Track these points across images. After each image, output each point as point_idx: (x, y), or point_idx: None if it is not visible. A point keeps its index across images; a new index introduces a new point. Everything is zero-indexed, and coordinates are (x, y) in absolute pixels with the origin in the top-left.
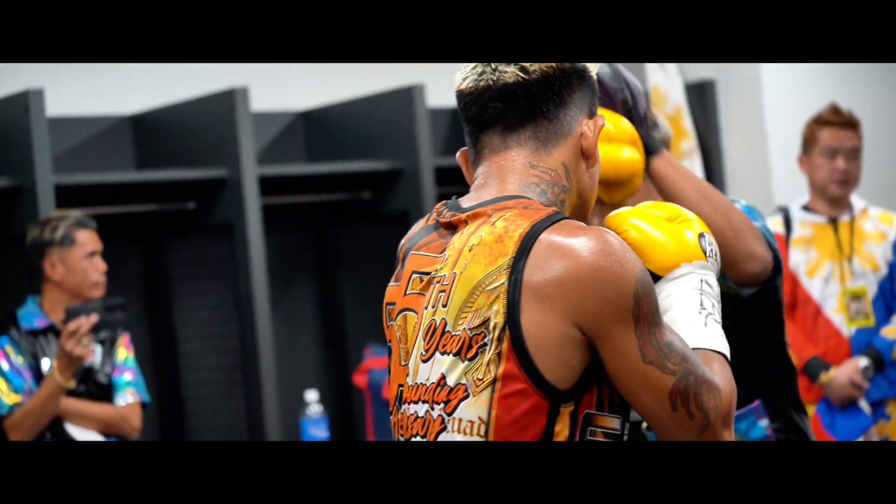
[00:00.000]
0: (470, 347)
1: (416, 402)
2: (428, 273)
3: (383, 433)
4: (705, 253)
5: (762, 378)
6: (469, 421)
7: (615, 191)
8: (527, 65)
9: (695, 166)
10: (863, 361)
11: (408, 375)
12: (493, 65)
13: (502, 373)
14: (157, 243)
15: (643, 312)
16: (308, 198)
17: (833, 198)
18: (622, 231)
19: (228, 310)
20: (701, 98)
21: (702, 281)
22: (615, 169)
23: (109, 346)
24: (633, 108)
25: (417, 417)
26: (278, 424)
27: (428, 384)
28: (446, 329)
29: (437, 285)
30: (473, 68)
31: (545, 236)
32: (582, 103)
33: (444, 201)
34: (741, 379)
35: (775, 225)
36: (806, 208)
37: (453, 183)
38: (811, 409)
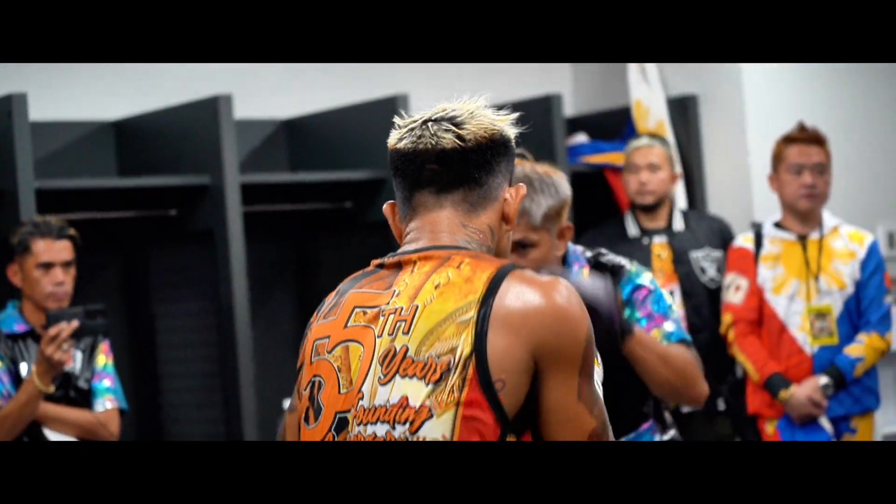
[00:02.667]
0: (434, 372)
1: (373, 423)
2: (374, 307)
3: None
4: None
5: (644, 404)
6: (433, 439)
7: None
8: (463, 132)
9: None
10: (823, 380)
11: (361, 399)
12: (430, 128)
13: (466, 396)
14: (139, 250)
15: (588, 358)
16: (290, 206)
17: (802, 213)
18: None
19: (208, 317)
20: (683, 113)
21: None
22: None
23: (89, 353)
24: (610, 324)
25: (377, 437)
26: (256, 433)
27: (388, 405)
28: (407, 355)
29: (393, 316)
30: (410, 129)
31: (511, 278)
32: (506, 171)
33: (377, 259)
34: (632, 408)
35: (746, 241)
36: (778, 225)
37: None
38: (772, 425)
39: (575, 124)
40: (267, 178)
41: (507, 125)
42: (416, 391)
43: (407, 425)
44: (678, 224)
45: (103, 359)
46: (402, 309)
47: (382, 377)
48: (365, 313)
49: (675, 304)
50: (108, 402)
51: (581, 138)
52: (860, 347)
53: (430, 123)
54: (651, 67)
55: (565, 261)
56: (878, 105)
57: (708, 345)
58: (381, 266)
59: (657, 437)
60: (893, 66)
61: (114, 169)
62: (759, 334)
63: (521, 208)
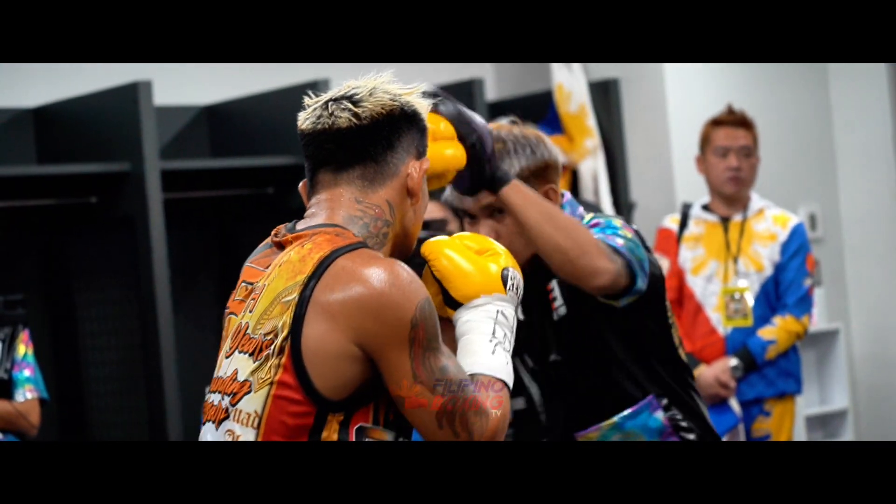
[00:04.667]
0: (261, 350)
1: (215, 393)
2: (252, 283)
3: None
4: (506, 286)
5: (653, 375)
6: (247, 413)
7: (433, 181)
8: (359, 110)
9: (598, 164)
10: (732, 361)
11: (218, 370)
12: (329, 108)
13: (279, 377)
14: (58, 238)
15: (419, 337)
16: (211, 193)
17: (727, 196)
18: (434, 258)
19: (130, 305)
20: (605, 96)
21: (498, 312)
22: (437, 163)
23: (9, 342)
24: (482, 150)
25: (213, 406)
26: (179, 421)
27: (225, 377)
28: (247, 332)
29: (252, 294)
30: (313, 110)
31: (340, 261)
32: (409, 146)
33: (285, 223)
34: (632, 377)
35: (672, 222)
36: (706, 207)
37: None
38: None
39: (497, 108)
40: (188, 164)
41: (413, 98)
42: (244, 366)
43: (230, 396)
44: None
45: (23, 348)
46: (257, 287)
47: (228, 350)
48: (246, 288)
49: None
50: (28, 393)
51: (503, 122)
52: (773, 330)
53: (330, 103)
54: None
55: None
56: (801, 86)
57: None
58: (274, 242)
59: (658, 415)
60: None
61: (33, 156)
62: (677, 314)
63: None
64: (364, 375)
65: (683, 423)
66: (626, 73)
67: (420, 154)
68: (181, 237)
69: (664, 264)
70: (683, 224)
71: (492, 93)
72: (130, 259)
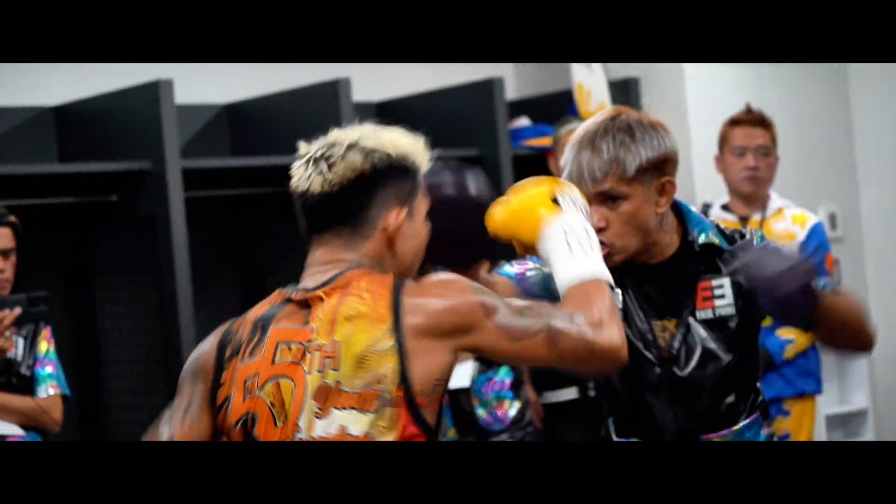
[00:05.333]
0: (368, 402)
1: None
2: (297, 343)
3: None
4: (560, 205)
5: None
6: None
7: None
8: (330, 176)
9: None
10: None
11: (298, 432)
12: (308, 169)
13: (401, 425)
14: (80, 236)
15: (489, 308)
16: (232, 192)
17: (745, 196)
18: (495, 228)
19: (151, 303)
20: (625, 95)
21: (563, 231)
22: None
23: (31, 339)
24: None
25: None
26: None
27: (328, 436)
28: (341, 388)
29: (318, 352)
30: (300, 167)
31: (407, 295)
32: (387, 199)
33: (281, 289)
34: (755, 391)
35: None
36: (725, 207)
37: None
38: None
39: (517, 107)
40: (209, 163)
41: (396, 147)
42: (355, 421)
43: None
44: None
45: (45, 345)
46: (325, 346)
47: (319, 411)
48: (290, 349)
49: None
50: (50, 389)
51: (523, 121)
52: (792, 329)
53: (311, 162)
54: None
55: (685, 221)
56: (821, 85)
57: None
58: (288, 300)
59: (764, 433)
60: None
61: (54, 154)
62: None
63: (614, 157)
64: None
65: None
66: (645, 73)
67: (404, 201)
68: (202, 236)
69: None
70: None
71: (512, 91)
72: (151, 257)
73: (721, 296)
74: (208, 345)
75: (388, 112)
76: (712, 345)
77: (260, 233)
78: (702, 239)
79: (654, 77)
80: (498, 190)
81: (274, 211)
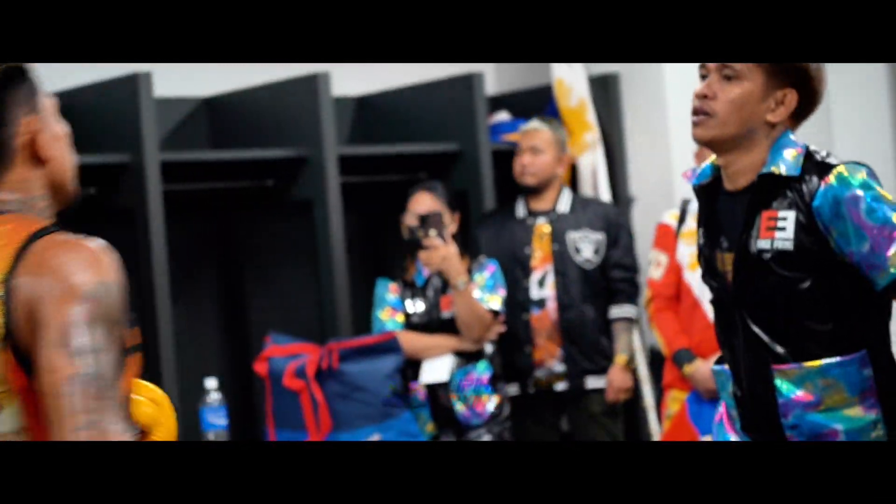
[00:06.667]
0: None
1: None
2: None
3: (282, 421)
4: None
5: (868, 330)
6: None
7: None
8: None
9: (598, 159)
10: None
11: None
12: None
13: (16, 384)
14: (58, 229)
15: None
16: (211, 185)
17: None
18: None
19: (129, 296)
20: (605, 91)
21: None
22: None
23: None
24: None
25: None
26: (177, 411)
27: None
28: None
29: None
30: None
31: (36, 247)
32: (15, 115)
33: None
34: (847, 326)
35: (671, 218)
36: None
37: (357, 171)
38: (683, 397)
39: (497, 102)
40: (187, 156)
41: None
42: None
43: None
44: (562, 206)
45: None
46: None
47: None
48: None
49: (548, 283)
50: None
51: (503, 116)
52: None
53: None
54: None
55: (779, 142)
56: None
57: (573, 323)
58: None
59: (867, 372)
60: None
61: None
62: (675, 310)
63: None
64: None
65: (883, 383)
66: (626, 69)
67: (34, 110)
68: (180, 229)
69: (663, 260)
70: (682, 220)
71: (492, 86)
72: (130, 251)
73: (783, 228)
74: None
75: (368, 106)
76: (777, 271)
77: (239, 226)
78: (782, 170)
79: (635, 73)
80: (477, 184)
81: (253, 204)
